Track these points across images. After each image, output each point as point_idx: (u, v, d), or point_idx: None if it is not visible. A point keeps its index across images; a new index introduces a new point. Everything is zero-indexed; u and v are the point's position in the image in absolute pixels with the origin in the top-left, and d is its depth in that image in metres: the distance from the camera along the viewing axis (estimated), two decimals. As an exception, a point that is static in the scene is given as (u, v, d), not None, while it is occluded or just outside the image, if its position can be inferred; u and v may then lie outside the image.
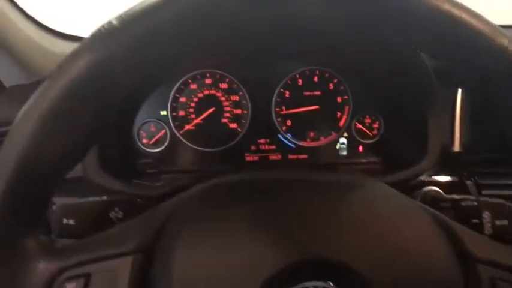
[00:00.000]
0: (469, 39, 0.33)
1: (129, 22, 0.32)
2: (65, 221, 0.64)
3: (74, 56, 0.32)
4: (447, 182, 0.91)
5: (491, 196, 0.76)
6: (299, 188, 0.51)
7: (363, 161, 1.01)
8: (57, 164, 0.35)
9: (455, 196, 0.76)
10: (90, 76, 0.32)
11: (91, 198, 0.69)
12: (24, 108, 0.33)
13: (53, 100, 0.32)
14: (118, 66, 0.33)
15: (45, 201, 0.38)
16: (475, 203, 0.70)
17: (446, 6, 0.32)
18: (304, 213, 0.45)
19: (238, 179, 0.56)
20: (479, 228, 0.69)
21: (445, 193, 0.87)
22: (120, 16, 0.32)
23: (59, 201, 0.79)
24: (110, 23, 0.32)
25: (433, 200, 0.77)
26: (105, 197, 0.69)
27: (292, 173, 0.58)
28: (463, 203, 0.72)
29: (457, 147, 0.96)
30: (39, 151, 0.33)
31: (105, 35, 0.32)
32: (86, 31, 1.05)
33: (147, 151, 0.98)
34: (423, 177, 0.88)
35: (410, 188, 0.89)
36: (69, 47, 1.02)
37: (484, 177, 0.91)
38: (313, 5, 0.35)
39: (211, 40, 0.36)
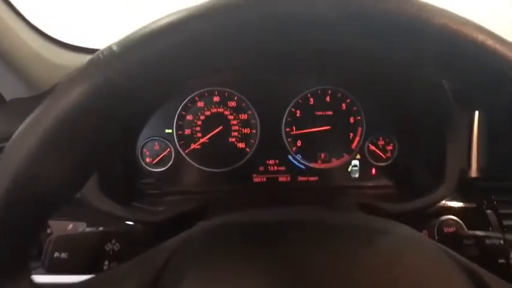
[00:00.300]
0: (487, 62, 0.31)
1: (129, 48, 0.30)
2: (56, 254, 0.60)
3: (70, 82, 0.31)
4: (464, 208, 0.86)
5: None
6: (312, 234, 0.46)
7: (376, 184, 0.97)
8: (53, 189, 0.33)
9: (478, 233, 0.71)
10: (88, 103, 0.31)
11: (87, 229, 0.64)
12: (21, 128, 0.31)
13: (47, 126, 0.30)
14: (118, 94, 0.32)
15: (37, 229, 0.34)
16: (501, 241, 0.66)
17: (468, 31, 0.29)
18: (320, 265, 0.40)
19: (247, 220, 0.51)
20: (506, 268, 0.64)
21: (461, 219, 0.83)
22: (120, 42, 0.31)
23: (53, 225, 0.75)
24: (110, 48, 0.31)
25: (455, 236, 0.72)
26: (101, 228, 0.64)
27: (306, 213, 0.52)
28: (487, 241, 0.67)
29: (474, 172, 0.91)
30: (35, 173, 0.30)
31: (105, 61, 0.30)
32: (89, 42, 1.01)
33: (150, 170, 0.94)
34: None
35: (427, 215, 0.85)
36: (71, 58, 0.98)
37: (503, 205, 0.87)
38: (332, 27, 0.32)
39: (218, 63, 0.35)
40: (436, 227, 0.82)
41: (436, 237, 0.81)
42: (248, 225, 0.49)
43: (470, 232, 0.73)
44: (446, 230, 0.81)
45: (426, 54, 0.33)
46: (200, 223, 0.49)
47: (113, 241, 0.63)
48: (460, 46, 0.30)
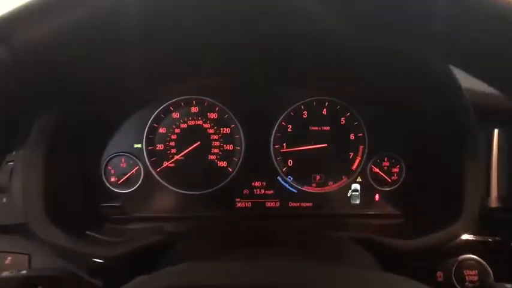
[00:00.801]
0: None
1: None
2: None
3: None
4: (485, 244, 0.72)
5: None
6: None
7: (380, 213, 0.83)
8: None
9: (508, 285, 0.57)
10: None
11: (4, 274, 0.49)
12: None
13: None
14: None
15: None
16: None
17: None
18: None
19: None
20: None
21: (482, 258, 0.69)
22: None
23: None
24: None
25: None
26: (24, 271, 0.50)
27: (285, 270, 0.38)
28: None
29: (494, 201, 0.77)
30: None
31: None
32: None
33: (115, 191, 0.80)
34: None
35: (442, 253, 0.70)
36: None
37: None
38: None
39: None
40: (453, 269, 0.68)
41: (454, 281, 0.67)
42: None
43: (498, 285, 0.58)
44: (467, 273, 0.67)
45: None
46: (138, 279, 0.36)
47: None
48: None
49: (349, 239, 0.65)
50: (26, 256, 0.70)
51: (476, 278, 0.67)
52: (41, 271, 0.53)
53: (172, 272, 0.39)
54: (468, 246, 0.70)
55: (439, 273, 0.69)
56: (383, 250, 0.66)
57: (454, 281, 0.67)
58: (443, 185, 0.73)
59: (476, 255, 0.69)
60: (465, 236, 0.71)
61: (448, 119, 0.67)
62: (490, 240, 0.73)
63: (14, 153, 0.74)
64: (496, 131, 0.76)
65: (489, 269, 0.67)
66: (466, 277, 0.67)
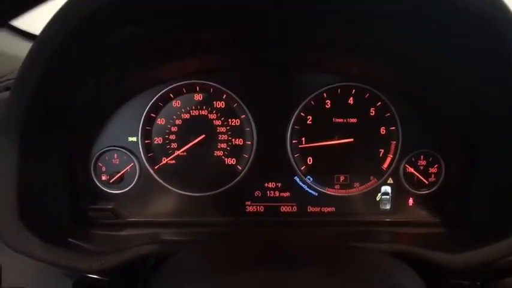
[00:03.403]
0: None
1: None
2: None
3: None
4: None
5: None
6: None
7: (415, 220, 0.73)
8: None
9: None
10: None
11: None
12: None
13: None
14: None
15: None
16: None
17: None
18: None
19: None
20: None
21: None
22: None
23: None
24: None
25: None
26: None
27: None
28: None
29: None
30: None
31: None
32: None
33: (106, 192, 0.71)
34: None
35: (494, 271, 0.59)
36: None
37: None
38: None
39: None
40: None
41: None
42: None
43: None
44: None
45: None
46: None
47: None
48: None
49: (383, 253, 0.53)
50: (-3, 265, 0.60)
51: None
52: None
53: None
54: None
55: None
56: (423, 265, 0.54)
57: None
58: (496, 188, 0.61)
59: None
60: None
61: (505, 104, 0.55)
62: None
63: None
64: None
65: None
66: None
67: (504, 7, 0.42)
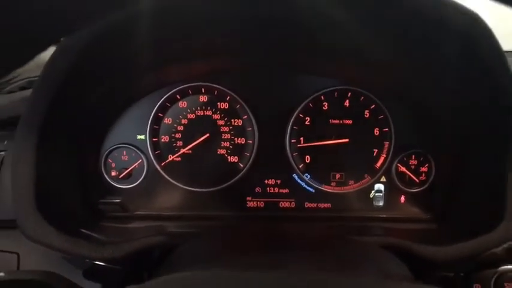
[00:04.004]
0: None
1: None
2: None
3: None
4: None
5: None
6: None
7: (406, 216, 0.75)
8: None
9: None
10: None
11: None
12: None
13: None
14: None
15: None
16: None
17: None
18: None
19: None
20: None
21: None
22: None
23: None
24: None
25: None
26: (2, 274, 0.43)
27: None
28: None
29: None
30: None
31: None
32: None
33: (115, 187, 0.74)
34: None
35: (478, 263, 0.63)
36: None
37: None
38: None
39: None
40: (492, 282, 0.60)
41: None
42: None
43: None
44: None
45: None
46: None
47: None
48: None
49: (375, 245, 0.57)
50: (15, 255, 0.64)
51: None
52: (25, 274, 0.46)
53: (167, 281, 0.32)
54: (510, 256, 0.62)
55: (476, 286, 0.61)
56: (412, 258, 0.58)
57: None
58: (482, 185, 0.65)
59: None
60: (507, 245, 0.63)
61: (489, 111, 0.59)
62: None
63: (5, 142, 0.68)
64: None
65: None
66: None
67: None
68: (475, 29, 0.47)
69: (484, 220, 0.62)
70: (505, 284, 0.60)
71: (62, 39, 0.48)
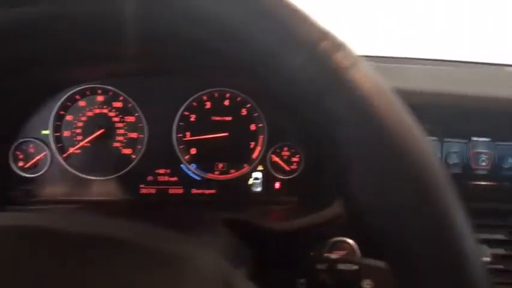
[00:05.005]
0: None
1: None
2: None
3: None
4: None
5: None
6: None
7: (280, 199, 0.86)
8: None
9: (332, 256, 0.61)
10: None
11: None
12: None
13: None
14: None
15: None
16: (356, 267, 0.55)
17: None
18: None
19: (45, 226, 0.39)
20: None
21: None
22: None
23: None
24: None
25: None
26: None
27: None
28: (341, 266, 0.57)
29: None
30: None
31: None
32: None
33: (22, 176, 0.83)
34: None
35: (318, 236, 0.74)
36: None
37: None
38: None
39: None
40: (325, 250, 0.71)
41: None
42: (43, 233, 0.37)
43: (325, 256, 0.62)
44: (337, 253, 0.70)
45: None
46: None
47: None
48: None
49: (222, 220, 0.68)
50: None
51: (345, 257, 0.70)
52: None
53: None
54: (342, 230, 0.73)
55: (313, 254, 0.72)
56: (255, 231, 0.69)
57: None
58: (328, 176, 0.77)
59: (348, 237, 0.72)
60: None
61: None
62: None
63: None
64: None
65: (357, 247, 0.70)
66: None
67: None
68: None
69: (326, 201, 0.74)
70: (333, 251, 0.71)
71: None
